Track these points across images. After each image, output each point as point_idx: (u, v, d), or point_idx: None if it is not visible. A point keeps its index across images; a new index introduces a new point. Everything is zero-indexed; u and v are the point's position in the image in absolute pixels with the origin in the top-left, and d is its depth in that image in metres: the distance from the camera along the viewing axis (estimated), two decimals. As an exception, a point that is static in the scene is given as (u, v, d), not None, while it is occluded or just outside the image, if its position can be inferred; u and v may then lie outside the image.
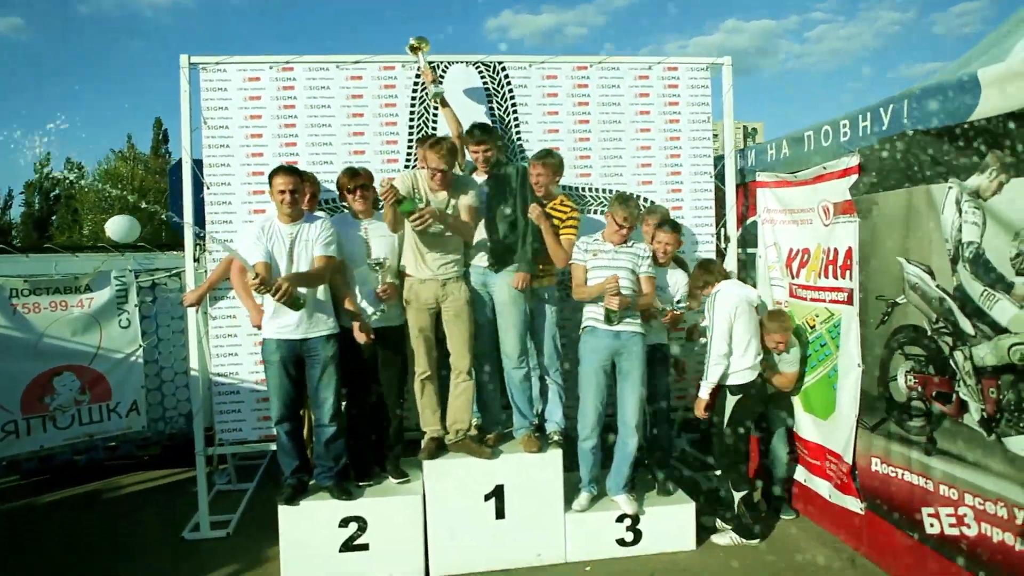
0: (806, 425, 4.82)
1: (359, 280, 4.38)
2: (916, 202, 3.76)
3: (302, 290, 4.07)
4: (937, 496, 3.65)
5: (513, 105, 5.24)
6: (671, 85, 5.41)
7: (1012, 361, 3.20)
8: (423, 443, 4.43)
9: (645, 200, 5.30)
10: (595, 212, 5.28)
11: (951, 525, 3.57)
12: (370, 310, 4.36)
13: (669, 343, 4.79)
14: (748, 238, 5.59)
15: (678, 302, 4.49)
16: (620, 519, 4.42)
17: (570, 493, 4.45)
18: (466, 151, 4.67)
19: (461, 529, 4.28)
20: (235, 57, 4.97)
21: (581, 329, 4.44)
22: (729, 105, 5.45)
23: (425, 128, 5.12)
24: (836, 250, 4.49)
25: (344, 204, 4.75)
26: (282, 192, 4.14)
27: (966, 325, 3.45)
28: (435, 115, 5.10)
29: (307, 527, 4.19)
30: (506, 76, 5.23)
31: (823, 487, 4.65)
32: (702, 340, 4.76)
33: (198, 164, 4.93)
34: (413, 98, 5.14)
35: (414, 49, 4.91)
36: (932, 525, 3.68)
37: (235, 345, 4.93)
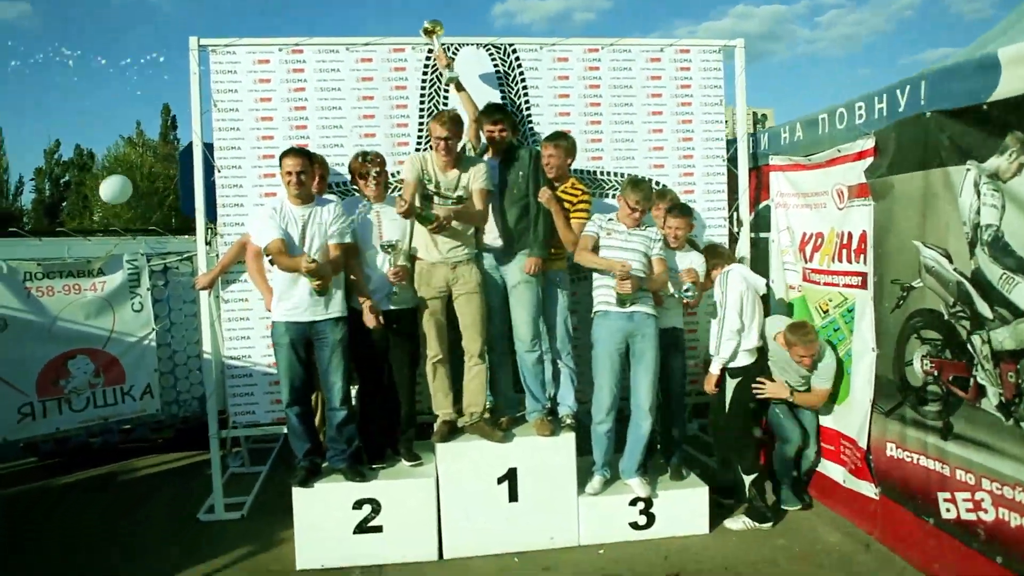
0: (820, 410, 4.81)
1: (371, 263, 4.38)
2: (933, 185, 3.72)
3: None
4: (954, 481, 3.63)
5: (524, 88, 5.20)
6: (683, 68, 5.36)
7: (1031, 345, 3.18)
8: (436, 426, 4.44)
9: (657, 184, 5.27)
10: (607, 196, 5.25)
11: (968, 510, 3.56)
12: (382, 292, 4.36)
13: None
14: (761, 222, 5.55)
15: (686, 290, 4.44)
16: (633, 502, 4.43)
17: (583, 477, 4.46)
18: (481, 133, 4.64)
19: (474, 512, 4.30)
20: (245, 39, 4.94)
21: (593, 312, 4.43)
22: (742, 87, 5.41)
23: (436, 110, 5.09)
24: (850, 234, 4.46)
25: (355, 188, 4.74)
26: (289, 173, 4.15)
27: (984, 309, 3.42)
28: (446, 97, 5.07)
29: (321, 509, 4.22)
30: (517, 59, 5.18)
31: (837, 472, 4.65)
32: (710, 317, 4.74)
33: (209, 148, 4.92)
34: (424, 80, 5.10)
35: (428, 32, 4.88)
36: (948, 510, 3.67)
37: (247, 328, 4.94)
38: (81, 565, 4.31)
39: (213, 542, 4.55)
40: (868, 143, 4.23)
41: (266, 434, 5.32)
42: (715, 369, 4.61)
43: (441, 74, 5.00)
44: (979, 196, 3.40)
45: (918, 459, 3.89)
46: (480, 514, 4.30)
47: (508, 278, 4.48)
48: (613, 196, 5.19)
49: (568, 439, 4.42)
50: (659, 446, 4.86)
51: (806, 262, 4.95)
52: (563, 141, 4.63)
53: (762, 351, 4.68)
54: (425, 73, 5.09)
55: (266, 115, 4.96)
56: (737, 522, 4.57)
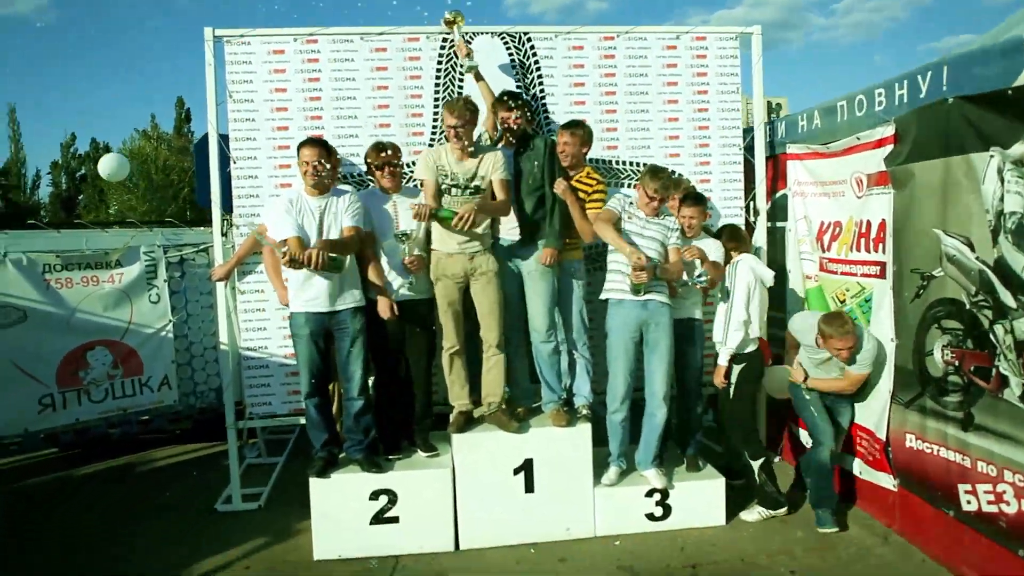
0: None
1: (387, 252, 4.39)
2: (955, 172, 3.66)
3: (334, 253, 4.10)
4: (975, 472, 3.59)
5: (539, 77, 5.16)
6: (699, 56, 5.30)
7: (1056, 335, 3.14)
8: (452, 417, 4.44)
9: (673, 173, 5.22)
10: (622, 185, 5.21)
11: (989, 502, 3.52)
12: (398, 282, 4.36)
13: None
14: (777, 211, 5.50)
15: (699, 276, 4.42)
16: (649, 494, 4.42)
17: (599, 467, 4.45)
18: (496, 123, 4.62)
19: (490, 502, 4.31)
20: (259, 30, 4.94)
21: (604, 291, 4.38)
22: (759, 75, 5.34)
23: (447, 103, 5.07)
24: (869, 222, 4.40)
25: (370, 178, 4.73)
26: (307, 163, 4.16)
27: (1007, 298, 3.37)
28: (460, 87, 5.05)
29: (338, 499, 4.24)
30: (531, 48, 5.15)
31: (854, 464, 4.61)
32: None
33: (224, 139, 4.93)
34: (438, 70, 5.08)
35: (449, 23, 4.87)
36: (969, 502, 3.63)
37: (264, 320, 4.96)
38: (100, 554, 4.36)
39: (231, 532, 4.59)
40: (888, 130, 4.17)
41: (282, 425, 5.34)
42: (723, 360, 4.59)
43: (456, 64, 4.99)
44: (1003, 183, 3.35)
45: (938, 450, 3.85)
46: (496, 505, 4.31)
47: (524, 269, 4.47)
48: (629, 185, 5.16)
49: (584, 430, 4.41)
50: (675, 437, 4.83)
51: (823, 251, 4.90)
52: (578, 129, 4.60)
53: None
54: (440, 63, 5.07)
55: (281, 105, 4.96)
56: (752, 513, 4.56)
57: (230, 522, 4.80)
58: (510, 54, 5.12)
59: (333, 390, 4.86)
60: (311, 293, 4.20)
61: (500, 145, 4.57)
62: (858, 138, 4.45)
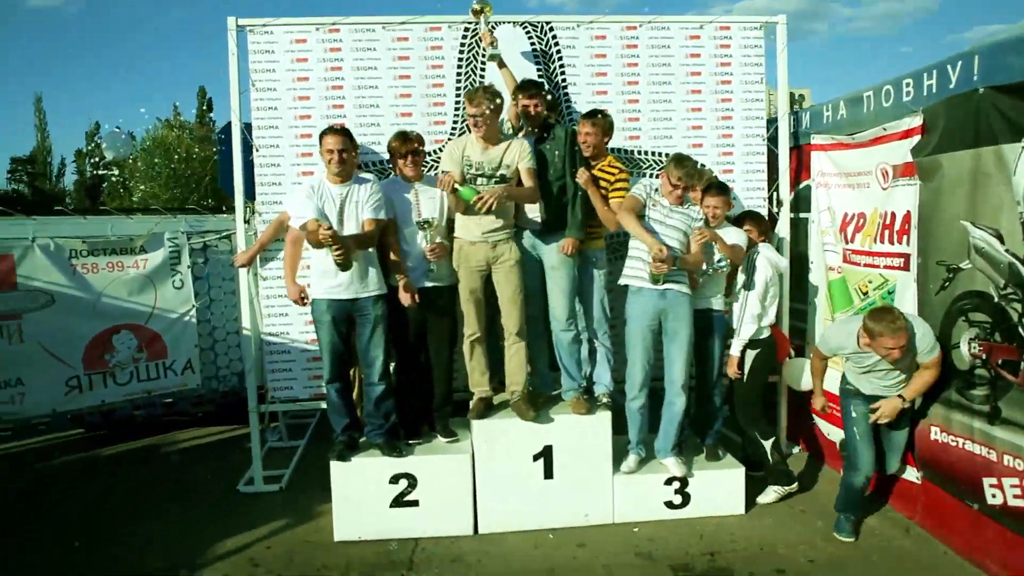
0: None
1: (408, 240, 4.41)
2: (985, 163, 3.62)
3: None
4: (1001, 466, 3.56)
5: (561, 67, 5.15)
6: (723, 45, 5.26)
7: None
8: (472, 403, 4.47)
9: (697, 163, 5.20)
10: (644, 175, 5.19)
11: (1016, 496, 3.49)
12: (419, 270, 4.39)
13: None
14: (800, 203, 5.46)
15: (719, 261, 4.43)
16: (668, 482, 4.43)
17: (618, 455, 4.46)
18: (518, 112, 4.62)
19: (509, 488, 4.34)
20: (282, 19, 4.97)
21: (623, 277, 4.38)
22: (783, 64, 5.29)
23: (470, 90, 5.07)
24: (894, 214, 4.36)
25: (391, 166, 4.75)
26: (330, 151, 4.19)
27: (1037, 291, 3.34)
28: (482, 76, 5.05)
29: (358, 483, 4.29)
30: (554, 37, 5.13)
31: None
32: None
33: (247, 127, 4.97)
34: (460, 59, 5.08)
35: (477, 12, 4.87)
36: (994, 495, 3.61)
37: (286, 305, 4.99)
38: (125, 532, 4.45)
39: (253, 513, 4.67)
40: (916, 121, 4.12)
41: (303, 410, 5.41)
42: (735, 351, 4.66)
43: (478, 53, 4.99)
44: (1034, 175, 3.31)
45: (963, 443, 3.83)
46: (515, 491, 4.34)
47: (545, 258, 4.48)
48: (651, 175, 5.14)
49: (604, 418, 4.42)
50: (694, 427, 4.83)
51: (847, 243, 4.86)
52: (600, 119, 4.59)
53: None
54: (462, 52, 5.07)
55: (303, 94, 4.99)
56: (768, 495, 4.60)
57: (252, 503, 4.88)
58: (532, 43, 5.11)
59: (354, 375, 4.91)
60: (333, 280, 4.24)
61: (521, 134, 4.58)
62: (884, 128, 4.41)
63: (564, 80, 5.15)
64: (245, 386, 5.21)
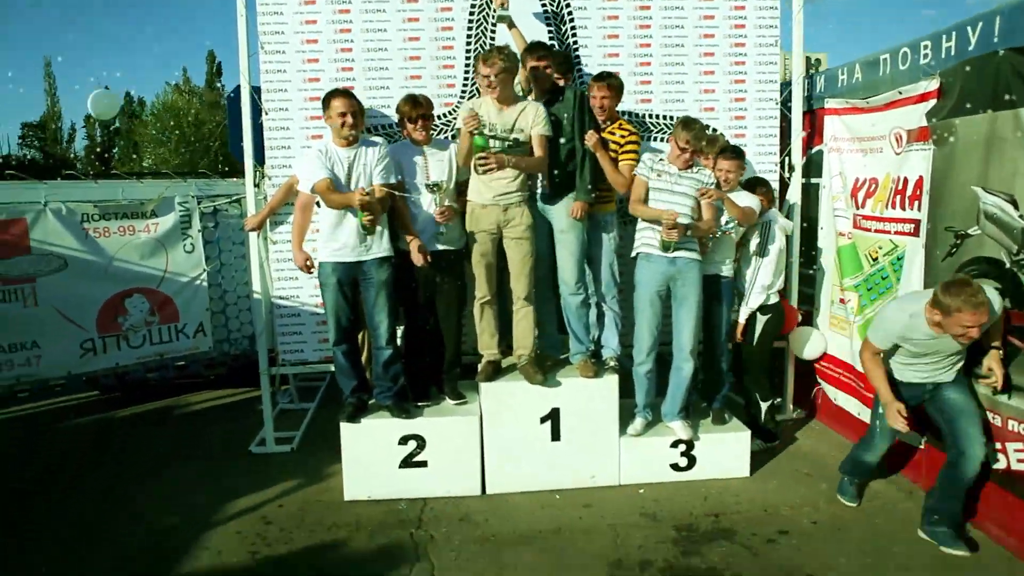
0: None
1: (417, 203, 4.41)
2: (1001, 127, 3.56)
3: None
4: (1005, 431, 3.57)
5: (572, 28, 5.08)
6: (738, 7, 5.16)
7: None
8: (480, 366, 4.50)
9: (707, 127, 5.14)
10: (656, 139, 5.15)
11: (1019, 461, 3.51)
12: (428, 232, 4.40)
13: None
14: (812, 168, 5.41)
15: (727, 223, 4.42)
16: (675, 444, 4.47)
17: (625, 419, 4.50)
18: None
19: (517, 450, 4.39)
20: (291, -20, 4.91)
21: (634, 252, 4.39)
22: (799, 28, 5.20)
23: (482, 51, 5.01)
24: (906, 179, 4.32)
25: (400, 130, 4.73)
26: (342, 114, 4.17)
27: (1050, 256, 3.31)
28: (492, 38, 4.99)
29: (367, 444, 4.35)
30: (566, -1, 5.06)
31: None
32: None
33: (256, 91, 4.95)
34: (470, 22, 5.01)
35: None
36: (998, 460, 3.62)
37: (295, 269, 4.96)
38: (141, 492, 4.54)
39: (265, 473, 4.75)
40: (932, 84, 4.06)
41: (314, 372, 5.46)
42: (742, 318, 4.75)
43: (488, 15, 4.93)
44: (1052, 139, 3.26)
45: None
46: (522, 452, 4.39)
47: (554, 221, 4.47)
48: (662, 140, 5.10)
49: (611, 381, 4.45)
50: (701, 391, 4.87)
51: (857, 208, 4.82)
52: (614, 80, 4.54)
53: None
54: (472, 13, 5.00)
55: (312, 57, 4.95)
56: (752, 445, 4.67)
57: (264, 463, 4.96)
58: (543, 5, 5.03)
59: (363, 338, 4.95)
60: (339, 243, 4.25)
61: (531, 97, 4.54)
62: (900, 92, 4.34)
63: (575, 42, 5.08)
64: (256, 349, 5.26)
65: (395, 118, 4.68)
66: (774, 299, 4.75)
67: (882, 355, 3.82)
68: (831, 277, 5.19)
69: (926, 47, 4.20)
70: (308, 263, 4.47)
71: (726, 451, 4.53)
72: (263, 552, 3.78)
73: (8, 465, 5.06)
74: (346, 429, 4.35)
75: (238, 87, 5.13)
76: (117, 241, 5.83)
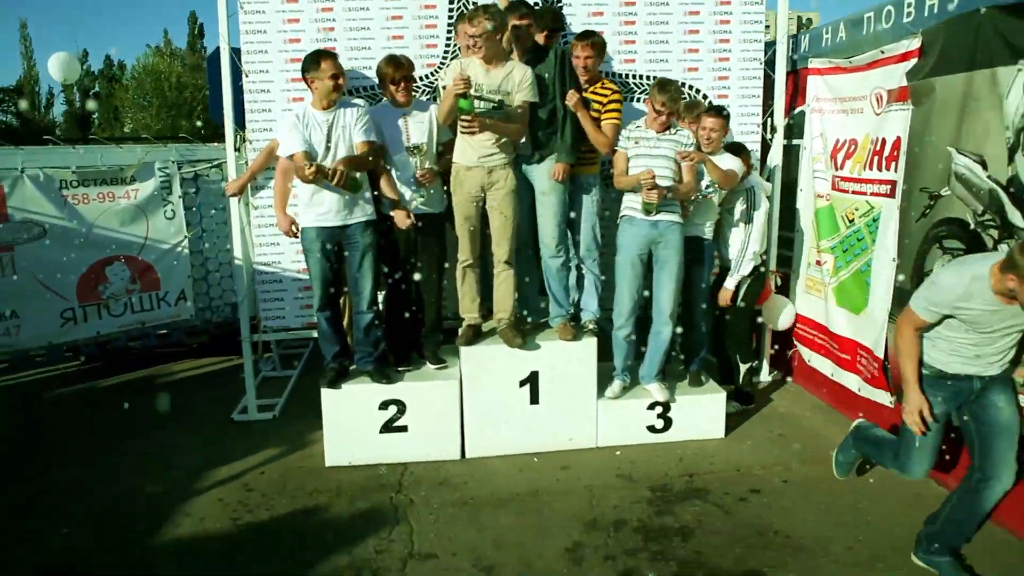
0: (838, 320, 4.78)
1: (398, 167, 4.37)
2: (977, 87, 3.55)
3: (356, 173, 4.12)
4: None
5: (556, -14, 4.99)
6: (723, -37, 5.07)
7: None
8: (460, 330, 4.51)
9: (691, 88, 5.10)
10: (638, 100, 5.10)
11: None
12: (409, 195, 4.37)
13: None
14: (794, 129, 5.38)
15: (707, 187, 4.41)
16: (651, 407, 4.52)
17: (603, 382, 4.54)
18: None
19: (496, 413, 4.43)
20: (269, -63, 4.78)
21: (619, 218, 4.39)
22: (785, -15, 5.13)
23: (464, 11, 4.92)
24: (884, 140, 4.30)
25: (381, 91, 4.66)
26: (335, 76, 4.12)
27: (1016, 218, 3.33)
28: (474, -1, 4.90)
29: (348, 409, 4.37)
30: (547, -46, 4.95)
31: (852, 381, 4.67)
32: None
33: (236, 52, 4.86)
34: (452, -21, 4.92)
35: None
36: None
37: (277, 235, 4.96)
38: (122, 460, 4.57)
39: (247, 441, 4.77)
40: (914, 43, 4.02)
41: (296, 339, 5.47)
42: (731, 285, 4.76)
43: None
44: (1028, 98, 3.24)
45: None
46: (502, 416, 4.43)
47: (535, 183, 4.43)
48: (645, 100, 5.04)
49: (590, 344, 4.47)
50: (679, 354, 4.91)
51: (836, 170, 4.81)
52: (597, 38, 4.47)
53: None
54: (454, -29, 4.89)
55: (293, 17, 4.85)
56: (728, 407, 4.75)
57: (246, 431, 4.98)
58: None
59: (344, 304, 4.95)
60: (321, 208, 4.21)
61: (514, 55, 4.46)
62: (883, 51, 4.30)
63: (559, 1, 5.00)
64: (238, 316, 5.25)
65: (376, 80, 4.61)
66: (758, 260, 4.80)
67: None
68: (809, 239, 5.20)
69: (909, 5, 4.15)
70: (293, 227, 4.43)
71: (702, 413, 4.59)
72: (245, 518, 3.81)
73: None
74: (327, 395, 4.37)
75: (218, 49, 5.03)
76: (96, 208, 5.75)
